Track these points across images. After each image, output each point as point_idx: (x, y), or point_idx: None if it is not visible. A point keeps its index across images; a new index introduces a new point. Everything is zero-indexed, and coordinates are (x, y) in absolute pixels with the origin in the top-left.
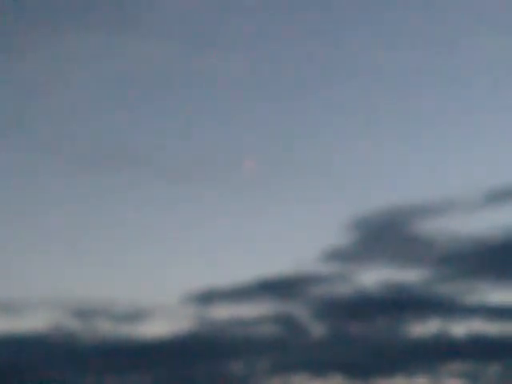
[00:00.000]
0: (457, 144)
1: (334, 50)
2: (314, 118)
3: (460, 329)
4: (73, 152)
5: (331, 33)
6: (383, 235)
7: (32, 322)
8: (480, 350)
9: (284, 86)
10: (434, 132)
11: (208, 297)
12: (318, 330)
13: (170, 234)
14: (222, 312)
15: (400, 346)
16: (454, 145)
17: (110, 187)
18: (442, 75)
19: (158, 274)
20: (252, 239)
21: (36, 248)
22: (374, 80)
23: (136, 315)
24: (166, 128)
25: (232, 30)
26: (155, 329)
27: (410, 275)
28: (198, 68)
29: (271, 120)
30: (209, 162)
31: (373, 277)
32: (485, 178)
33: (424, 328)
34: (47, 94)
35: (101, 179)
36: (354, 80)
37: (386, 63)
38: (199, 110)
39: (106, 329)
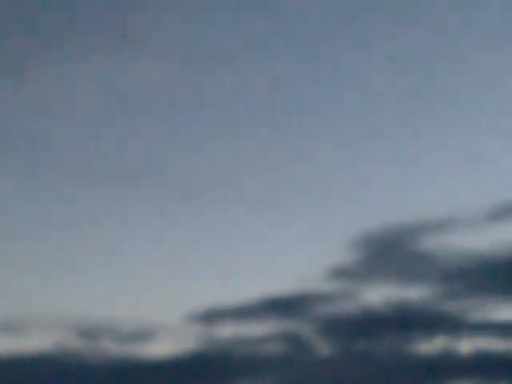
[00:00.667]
0: (460, 160)
1: (334, 69)
2: (316, 134)
3: (466, 346)
4: (74, 166)
5: (330, 57)
6: (388, 252)
7: (35, 342)
8: (487, 366)
9: (285, 103)
10: (437, 148)
11: (212, 315)
12: (323, 347)
13: (173, 252)
14: (227, 331)
15: (406, 363)
16: (458, 161)
17: (112, 203)
18: (436, 94)
19: (162, 292)
20: (256, 257)
21: (38, 267)
22: (376, 94)
23: (140, 334)
24: (173, 144)
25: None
26: (160, 348)
27: (414, 292)
28: (201, 84)
29: (274, 137)
30: (212, 179)
31: (378, 294)
32: (489, 194)
33: (430, 345)
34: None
35: (104, 195)
36: (356, 95)
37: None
38: (203, 128)
39: (110, 348)
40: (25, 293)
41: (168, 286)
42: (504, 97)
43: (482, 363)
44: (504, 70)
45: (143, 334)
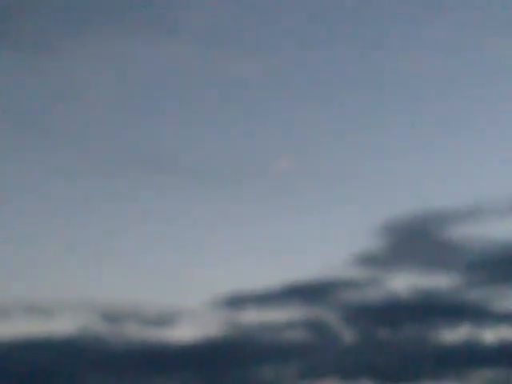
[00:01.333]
0: (488, 149)
1: (359, 57)
2: (342, 119)
3: (490, 335)
4: (99, 153)
5: (358, 39)
6: (414, 240)
7: (61, 325)
8: (511, 356)
9: (310, 88)
10: (464, 137)
11: (236, 301)
12: (347, 335)
13: (198, 238)
14: (251, 317)
15: (430, 352)
16: (485, 149)
17: (136, 190)
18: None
19: (187, 277)
20: (281, 243)
21: (65, 251)
22: (399, 83)
23: (164, 319)
24: (191, 131)
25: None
26: (183, 333)
27: (440, 281)
28: (224, 71)
29: (299, 122)
30: (236, 164)
31: (403, 282)
32: None
33: (454, 334)
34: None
35: (127, 181)
36: (380, 84)
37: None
38: (226, 113)
39: (134, 332)
40: (52, 277)
41: (192, 271)
42: None
43: (506, 353)
44: None
45: (167, 319)
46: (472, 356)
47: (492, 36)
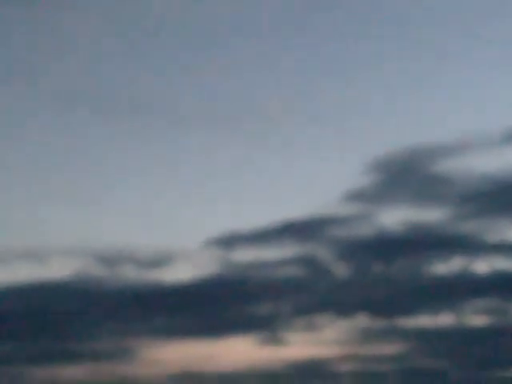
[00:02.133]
0: (473, 84)
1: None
2: (333, 61)
3: (483, 266)
4: (95, 102)
5: None
6: (403, 176)
7: (58, 269)
8: (503, 286)
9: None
10: (449, 73)
11: (231, 240)
12: (340, 270)
13: (192, 180)
14: (246, 255)
15: (423, 284)
16: (472, 87)
17: (132, 136)
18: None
19: (181, 219)
20: (274, 182)
21: (61, 196)
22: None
23: (159, 260)
24: (196, 80)
25: None
26: (179, 273)
27: (430, 214)
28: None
29: (297, 65)
30: (230, 109)
31: (394, 217)
32: (502, 117)
33: (446, 266)
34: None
35: (123, 128)
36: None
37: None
38: (222, 57)
39: (131, 274)
40: (47, 222)
41: (186, 212)
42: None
43: (497, 282)
44: None
45: (162, 260)
46: (465, 287)
47: None
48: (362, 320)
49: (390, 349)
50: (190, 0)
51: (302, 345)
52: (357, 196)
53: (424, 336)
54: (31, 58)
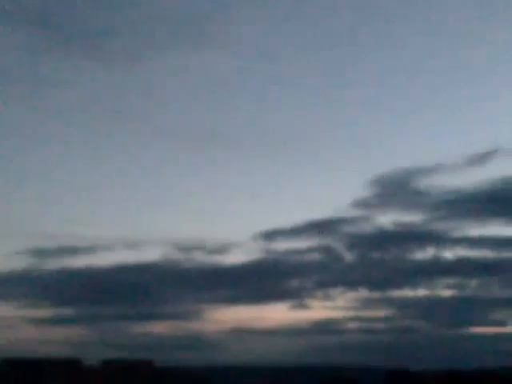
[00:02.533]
0: (448, 118)
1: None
2: (340, 96)
3: (449, 254)
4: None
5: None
6: (394, 189)
7: (148, 254)
8: (464, 269)
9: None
10: (429, 109)
11: (271, 234)
12: (349, 257)
13: (246, 187)
14: (282, 245)
15: (407, 267)
16: (446, 119)
17: (201, 162)
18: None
19: (236, 219)
20: (302, 192)
21: (151, 199)
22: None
23: (221, 248)
24: (237, 106)
25: None
26: (234, 258)
27: (413, 217)
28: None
29: (317, 88)
30: (262, 129)
31: (388, 219)
32: (468, 144)
33: (424, 254)
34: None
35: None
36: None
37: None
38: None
39: (200, 259)
40: (139, 217)
41: (241, 212)
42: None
43: (460, 266)
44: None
45: (223, 248)
46: (437, 269)
47: None
48: (364, 292)
49: (383, 313)
50: None
51: (321, 309)
52: (361, 203)
53: (407, 304)
54: None
